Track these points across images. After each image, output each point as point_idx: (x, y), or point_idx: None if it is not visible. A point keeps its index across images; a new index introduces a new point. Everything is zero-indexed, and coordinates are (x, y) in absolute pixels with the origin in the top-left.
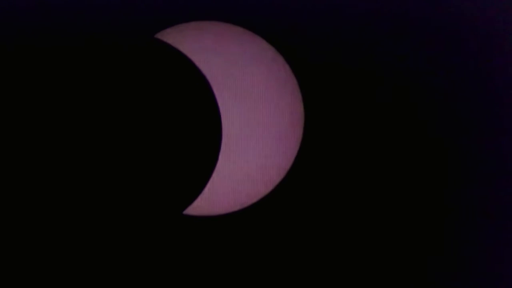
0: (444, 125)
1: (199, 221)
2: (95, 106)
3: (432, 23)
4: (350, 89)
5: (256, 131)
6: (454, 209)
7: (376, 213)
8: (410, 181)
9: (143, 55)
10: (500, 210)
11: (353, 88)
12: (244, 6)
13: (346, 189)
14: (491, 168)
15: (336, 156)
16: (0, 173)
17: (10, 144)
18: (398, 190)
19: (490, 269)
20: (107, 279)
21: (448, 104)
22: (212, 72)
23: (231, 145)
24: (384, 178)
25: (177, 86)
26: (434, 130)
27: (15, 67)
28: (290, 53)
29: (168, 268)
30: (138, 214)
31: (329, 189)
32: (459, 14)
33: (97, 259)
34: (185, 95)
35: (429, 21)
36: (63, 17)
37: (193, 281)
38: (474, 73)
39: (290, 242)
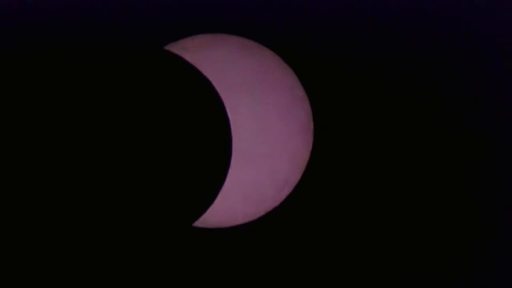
0: (454, 125)
1: (209, 233)
2: (104, 117)
3: (437, 21)
4: (359, 97)
5: (266, 142)
6: (463, 215)
7: (385, 228)
8: (422, 189)
9: (152, 66)
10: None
11: (362, 96)
12: (254, 20)
13: (356, 201)
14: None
15: (346, 166)
16: (2, 179)
17: (11, 153)
18: (408, 199)
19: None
20: None
21: (459, 105)
22: (222, 84)
23: (241, 157)
24: (394, 186)
25: (186, 98)
26: (445, 132)
27: (22, 74)
28: (299, 65)
29: (177, 280)
30: (147, 226)
31: (338, 202)
32: (469, 12)
33: (106, 271)
34: (194, 107)
35: (435, 21)
36: (74, 26)
37: None
38: (490, 73)
39: (300, 254)
